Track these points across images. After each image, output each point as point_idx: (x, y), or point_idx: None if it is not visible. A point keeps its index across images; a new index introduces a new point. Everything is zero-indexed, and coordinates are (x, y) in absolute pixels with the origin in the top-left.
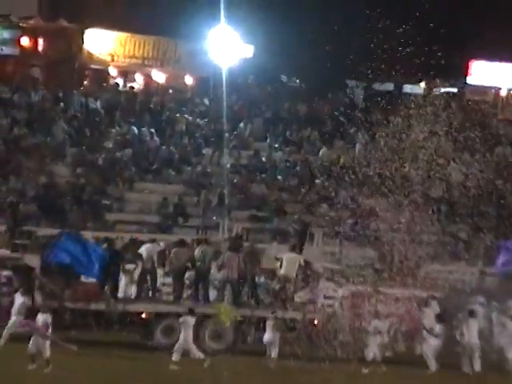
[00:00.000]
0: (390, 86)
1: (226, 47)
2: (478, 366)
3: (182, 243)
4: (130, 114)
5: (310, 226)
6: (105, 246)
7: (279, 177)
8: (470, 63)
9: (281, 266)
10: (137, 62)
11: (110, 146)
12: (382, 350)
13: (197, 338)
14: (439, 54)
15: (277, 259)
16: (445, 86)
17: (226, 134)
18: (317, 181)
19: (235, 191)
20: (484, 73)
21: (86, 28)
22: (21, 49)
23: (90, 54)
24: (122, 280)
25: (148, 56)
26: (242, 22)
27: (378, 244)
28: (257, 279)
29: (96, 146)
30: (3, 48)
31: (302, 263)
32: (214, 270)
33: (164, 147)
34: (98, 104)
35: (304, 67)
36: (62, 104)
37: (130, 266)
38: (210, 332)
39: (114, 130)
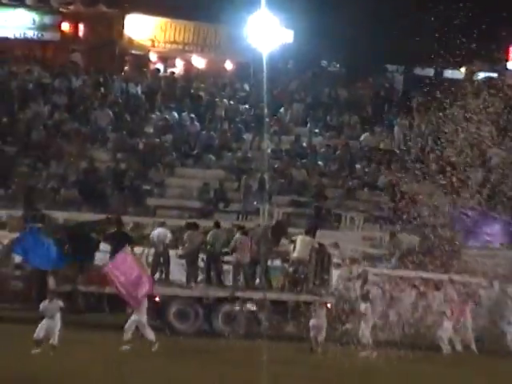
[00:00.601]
0: (430, 71)
1: (266, 32)
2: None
3: (194, 226)
4: (170, 100)
5: (324, 210)
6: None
7: (320, 162)
8: (510, 48)
9: (294, 249)
10: (177, 48)
11: (151, 131)
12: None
13: (209, 321)
14: (479, 38)
15: (291, 241)
16: (485, 71)
17: (267, 119)
18: (357, 166)
19: (276, 176)
20: None
21: (127, 13)
22: (61, 34)
23: (130, 39)
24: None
25: (188, 41)
26: (281, 7)
27: (420, 229)
28: (270, 262)
29: (136, 131)
30: (43, 33)
31: (316, 246)
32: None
33: (204, 132)
34: (139, 89)
35: (344, 52)
36: (102, 89)
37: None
38: (223, 316)
39: (154, 116)
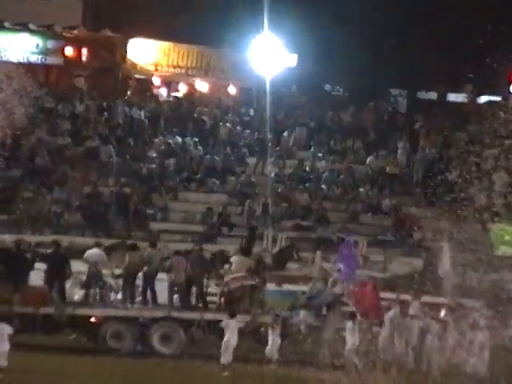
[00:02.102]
0: (433, 95)
1: (270, 56)
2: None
3: (133, 247)
4: (173, 124)
5: (257, 229)
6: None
7: (323, 186)
8: None
9: (230, 269)
10: (180, 72)
11: (154, 155)
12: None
13: (146, 342)
14: (482, 62)
15: (228, 262)
16: (488, 95)
17: (270, 144)
18: (361, 189)
19: (279, 200)
20: None
21: (130, 38)
22: (65, 59)
23: (133, 63)
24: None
25: (191, 66)
26: (285, 31)
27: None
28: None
29: (140, 155)
30: (47, 58)
31: (252, 265)
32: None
33: (208, 157)
34: (142, 113)
35: (347, 76)
36: (105, 114)
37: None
38: (159, 336)
39: (157, 140)
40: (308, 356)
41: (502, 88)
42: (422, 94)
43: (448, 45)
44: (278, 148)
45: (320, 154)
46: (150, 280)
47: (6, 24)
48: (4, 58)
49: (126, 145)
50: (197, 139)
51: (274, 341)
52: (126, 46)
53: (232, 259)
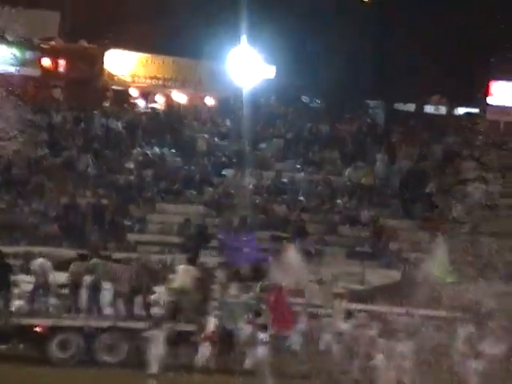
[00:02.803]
0: (411, 107)
1: (247, 68)
2: None
3: (81, 257)
4: (151, 135)
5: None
6: None
7: (301, 197)
8: (490, 83)
9: (174, 279)
10: (158, 83)
11: (132, 166)
12: None
13: (90, 351)
14: (460, 74)
15: (174, 272)
16: (466, 106)
17: (248, 155)
18: (338, 201)
19: (257, 212)
20: (505, 93)
21: (107, 49)
22: (42, 70)
23: (110, 74)
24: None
25: (169, 77)
26: (263, 43)
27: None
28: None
29: (117, 166)
30: (24, 69)
31: (198, 275)
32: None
33: (185, 168)
34: (119, 124)
35: (325, 88)
36: (83, 124)
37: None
38: (102, 345)
39: (135, 151)
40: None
41: (480, 100)
42: (400, 106)
43: (426, 57)
44: (254, 159)
45: (298, 166)
46: (93, 290)
47: None
48: None
49: (104, 156)
50: (174, 150)
51: (202, 350)
52: (103, 57)
53: (178, 268)
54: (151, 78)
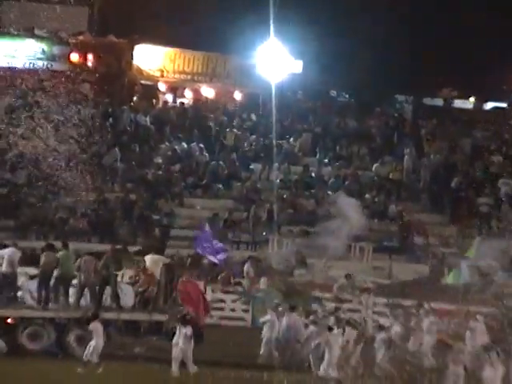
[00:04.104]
0: (439, 101)
1: (275, 62)
2: None
3: (50, 247)
4: (179, 130)
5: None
6: None
7: (329, 192)
8: None
9: (144, 269)
10: (186, 78)
11: (160, 161)
12: None
13: (62, 343)
14: (489, 69)
15: (142, 262)
16: (494, 101)
17: (275, 149)
18: (366, 195)
19: (285, 206)
20: None
21: (136, 44)
22: (70, 65)
23: (139, 69)
24: None
25: (197, 71)
26: (291, 38)
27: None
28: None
29: (146, 161)
30: (53, 64)
31: (166, 263)
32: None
33: (213, 162)
34: (148, 119)
35: (353, 82)
36: (111, 120)
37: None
38: (74, 336)
39: (163, 146)
40: None
41: (508, 94)
42: (428, 101)
43: (454, 52)
44: (282, 154)
45: (326, 160)
46: (62, 281)
47: (12, 30)
48: (10, 64)
49: (132, 151)
50: (202, 145)
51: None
52: (131, 52)
53: (146, 258)
54: (180, 72)
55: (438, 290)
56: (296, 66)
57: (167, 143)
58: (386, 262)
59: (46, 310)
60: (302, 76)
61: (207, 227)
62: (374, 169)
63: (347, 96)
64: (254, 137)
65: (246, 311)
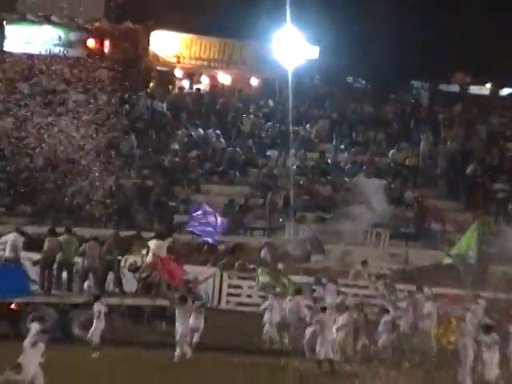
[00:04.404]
0: (455, 87)
1: (292, 48)
2: None
3: (52, 232)
4: (195, 116)
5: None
6: None
7: (345, 178)
8: None
9: (147, 254)
10: (202, 64)
11: (176, 147)
12: None
13: (65, 328)
14: (505, 54)
15: (145, 247)
16: (511, 87)
17: (292, 136)
18: (383, 181)
19: (301, 193)
20: None
21: (152, 30)
22: (87, 51)
23: (155, 55)
24: None
25: (214, 58)
26: (307, 24)
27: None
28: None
29: (162, 147)
30: (69, 50)
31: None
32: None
33: (230, 149)
34: (164, 106)
35: (370, 68)
36: (127, 106)
37: None
38: (78, 322)
39: (179, 132)
40: None
41: None
42: (444, 87)
43: (471, 38)
44: (298, 140)
45: (342, 146)
46: (64, 266)
47: (28, 16)
48: (26, 51)
49: (148, 137)
50: (219, 131)
51: None
52: (148, 39)
53: (149, 243)
54: (196, 58)
55: (454, 276)
56: (312, 52)
57: (184, 129)
58: (403, 249)
59: (49, 295)
60: (319, 62)
61: (206, 208)
62: (390, 155)
63: (364, 82)
64: (270, 123)
65: (262, 297)
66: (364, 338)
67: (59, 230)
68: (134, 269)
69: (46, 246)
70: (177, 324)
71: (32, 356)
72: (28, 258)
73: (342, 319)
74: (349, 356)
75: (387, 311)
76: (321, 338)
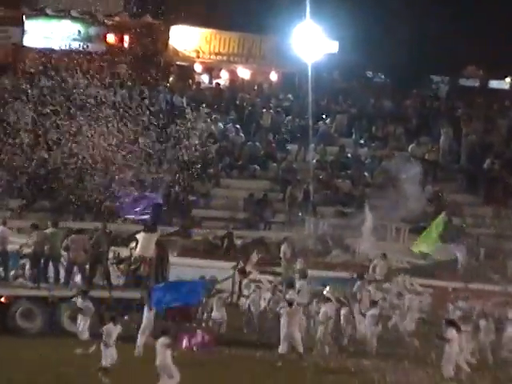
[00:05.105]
0: (475, 82)
1: (311, 43)
2: None
3: (36, 226)
4: (215, 111)
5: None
6: None
7: (365, 172)
8: None
9: (136, 247)
10: (222, 59)
11: (196, 142)
12: None
13: (54, 321)
14: None
15: (133, 240)
16: None
17: (311, 130)
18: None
19: (321, 187)
20: None
21: (172, 24)
22: (107, 45)
23: (175, 50)
24: None
25: (233, 52)
26: (326, 18)
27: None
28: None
29: (182, 142)
30: (89, 45)
31: (159, 243)
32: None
33: (249, 143)
34: (184, 100)
35: (389, 63)
36: (147, 100)
37: None
38: (68, 315)
39: (199, 127)
40: None
41: None
42: (464, 81)
43: (491, 34)
44: (318, 134)
45: (362, 141)
46: (51, 259)
47: (48, 11)
48: (46, 45)
49: (168, 132)
50: (239, 126)
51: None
52: (167, 33)
53: (138, 236)
54: (215, 53)
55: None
56: (332, 47)
57: (203, 124)
58: None
59: (38, 288)
60: (338, 57)
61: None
62: (409, 149)
63: (383, 76)
64: (289, 117)
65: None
66: (351, 330)
67: (79, 225)
68: (118, 261)
69: (32, 240)
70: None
71: None
72: (16, 250)
73: (323, 312)
74: (333, 349)
75: (375, 303)
76: (285, 332)
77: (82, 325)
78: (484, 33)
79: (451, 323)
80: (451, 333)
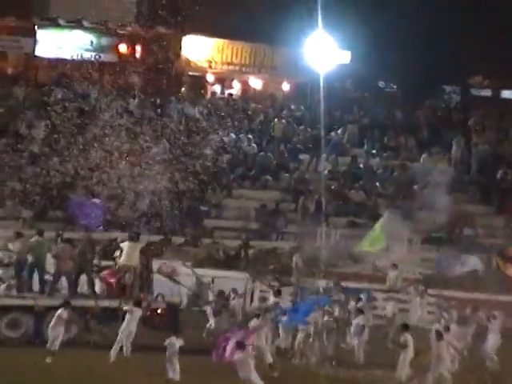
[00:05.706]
0: (487, 92)
1: (323, 53)
2: None
3: (19, 234)
4: (227, 121)
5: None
6: None
7: (377, 183)
8: None
9: (120, 256)
10: (234, 69)
11: (208, 152)
12: None
13: (39, 331)
14: None
15: (117, 249)
16: None
17: (323, 140)
18: (414, 186)
19: (333, 197)
20: None
21: (184, 35)
22: (118, 55)
23: (187, 60)
24: None
25: (245, 63)
26: (338, 28)
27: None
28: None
29: (194, 152)
30: (101, 55)
31: (143, 252)
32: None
33: (261, 153)
34: (196, 111)
35: (401, 73)
36: (159, 111)
37: None
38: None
39: (211, 137)
40: None
41: None
42: (475, 91)
43: (502, 43)
44: (330, 145)
45: (373, 151)
46: (35, 268)
47: (60, 21)
48: (58, 56)
49: (180, 142)
50: (250, 136)
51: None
52: (180, 43)
53: (122, 245)
54: (227, 63)
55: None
56: (344, 57)
57: (215, 134)
58: (434, 254)
59: (22, 298)
60: (350, 67)
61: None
62: (421, 160)
63: (395, 87)
64: (302, 127)
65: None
66: (335, 340)
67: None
68: (97, 270)
69: (16, 248)
70: (124, 325)
71: None
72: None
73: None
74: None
75: (362, 312)
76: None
77: (56, 335)
78: (497, 43)
79: (406, 328)
80: (406, 338)
